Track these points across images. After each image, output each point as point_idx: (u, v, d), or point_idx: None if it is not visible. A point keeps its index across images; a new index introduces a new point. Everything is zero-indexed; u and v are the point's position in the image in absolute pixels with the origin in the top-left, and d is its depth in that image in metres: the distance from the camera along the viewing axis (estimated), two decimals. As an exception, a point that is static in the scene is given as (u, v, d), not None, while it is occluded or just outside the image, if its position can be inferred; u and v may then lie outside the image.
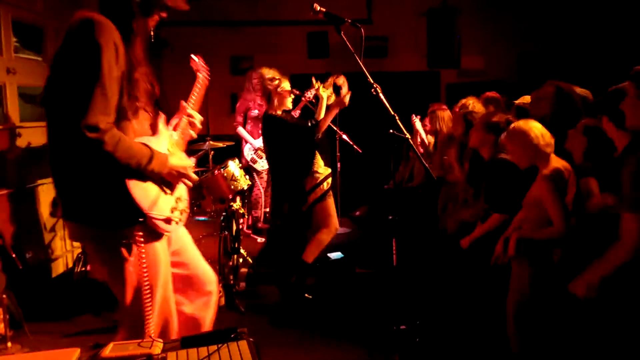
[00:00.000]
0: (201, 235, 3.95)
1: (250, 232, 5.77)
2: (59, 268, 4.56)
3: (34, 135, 4.48)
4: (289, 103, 3.92)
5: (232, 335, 1.53)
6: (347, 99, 3.72)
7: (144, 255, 1.82)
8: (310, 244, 3.93)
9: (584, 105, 2.92)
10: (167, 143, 1.97)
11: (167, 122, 2.11)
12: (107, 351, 1.46)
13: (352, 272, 4.47)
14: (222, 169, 3.95)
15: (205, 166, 5.03)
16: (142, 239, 1.81)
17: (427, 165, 2.66)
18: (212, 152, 4.77)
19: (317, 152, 3.98)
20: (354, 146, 5.47)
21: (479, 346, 2.95)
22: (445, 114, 4.70)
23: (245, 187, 4.12)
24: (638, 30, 5.66)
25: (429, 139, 5.01)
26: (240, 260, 4.22)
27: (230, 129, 6.23)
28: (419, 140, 5.04)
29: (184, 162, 1.92)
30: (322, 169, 3.98)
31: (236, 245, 4.05)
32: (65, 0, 5.02)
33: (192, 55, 2.43)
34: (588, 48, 6.35)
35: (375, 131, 3.79)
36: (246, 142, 5.63)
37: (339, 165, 5.95)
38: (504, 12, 7.13)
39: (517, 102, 3.57)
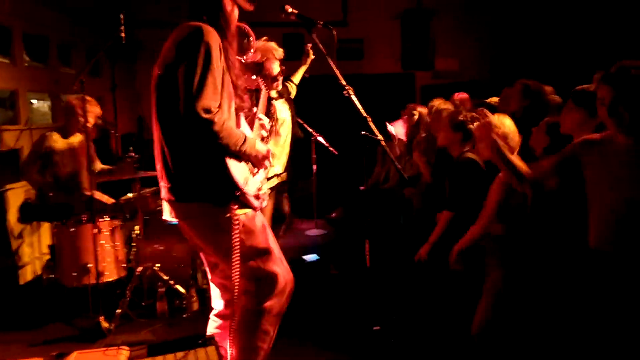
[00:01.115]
0: (175, 239, 3.89)
1: None
2: (27, 275, 4.43)
3: (1, 138, 4.36)
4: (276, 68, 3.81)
5: (200, 341, 1.51)
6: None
7: (245, 225, 2.11)
8: None
9: (552, 103, 2.98)
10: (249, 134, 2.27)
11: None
12: (70, 360, 1.42)
13: (327, 273, 4.46)
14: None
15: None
16: (237, 211, 2.08)
17: (399, 166, 2.67)
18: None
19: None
20: (330, 148, 5.47)
21: (453, 344, 2.97)
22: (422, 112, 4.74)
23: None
24: (606, 31, 5.80)
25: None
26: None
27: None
28: (396, 142, 5.06)
29: (265, 148, 2.24)
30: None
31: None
32: (33, 1, 4.92)
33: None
34: (560, 49, 6.48)
35: (350, 133, 3.80)
36: None
37: (314, 167, 5.95)
38: (478, 14, 7.24)
39: (487, 101, 3.63)
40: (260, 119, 2.47)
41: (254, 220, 2.18)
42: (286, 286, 2.28)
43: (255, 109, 2.49)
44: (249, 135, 2.17)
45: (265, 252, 2.20)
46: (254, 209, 2.17)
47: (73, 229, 3.56)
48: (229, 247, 2.06)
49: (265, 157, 2.22)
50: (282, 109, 3.84)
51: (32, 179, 4.00)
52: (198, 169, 2.05)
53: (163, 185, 2.14)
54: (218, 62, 2.00)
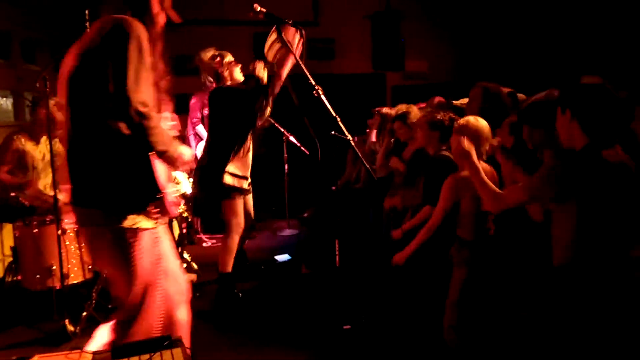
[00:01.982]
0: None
1: (204, 236, 5.66)
2: (-12, 278, 4.29)
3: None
4: (238, 74, 3.80)
5: (166, 343, 1.49)
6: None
7: (155, 236, 1.99)
8: (221, 253, 3.80)
9: (514, 103, 3.05)
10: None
11: None
12: (30, 365, 1.39)
13: (299, 273, 4.46)
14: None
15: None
16: (156, 217, 1.98)
17: (369, 167, 2.70)
18: (155, 154, 4.63)
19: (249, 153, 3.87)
20: (301, 148, 5.47)
21: (422, 342, 3.01)
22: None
23: (189, 192, 4.03)
24: (569, 34, 5.97)
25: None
26: (184, 265, 4.12)
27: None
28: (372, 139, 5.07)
29: (188, 150, 2.13)
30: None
31: (179, 250, 3.95)
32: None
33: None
34: (524, 52, 6.64)
35: (322, 133, 3.81)
36: (201, 139, 5.51)
37: (286, 167, 5.94)
38: (447, 17, 7.35)
39: (455, 102, 3.69)
40: (174, 119, 2.33)
41: (160, 230, 2.05)
42: (172, 311, 2.06)
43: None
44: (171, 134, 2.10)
45: (164, 268, 2.03)
46: (170, 215, 2.06)
47: (36, 230, 3.47)
48: (129, 257, 1.94)
49: (186, 162, 2.10)
50: None
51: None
52: (115, 170, 1.93)
53: (67, 187, 1.99)
54: (148, 56, 1.93)
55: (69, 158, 1.99)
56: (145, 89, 1.86)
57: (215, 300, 3.82)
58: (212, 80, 3.84)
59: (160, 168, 1.97)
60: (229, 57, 3.81)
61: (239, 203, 3.76)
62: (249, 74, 3.83)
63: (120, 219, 1.93)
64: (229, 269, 3.80)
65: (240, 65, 3.82)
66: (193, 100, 5.57)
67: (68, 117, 1.97)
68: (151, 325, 1.98)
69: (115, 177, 1.92)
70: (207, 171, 3.68)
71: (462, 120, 2.66)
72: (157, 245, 2.01)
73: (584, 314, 1.94)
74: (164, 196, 1.97)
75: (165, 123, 2.14)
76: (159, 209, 1.97)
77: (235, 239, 3.78)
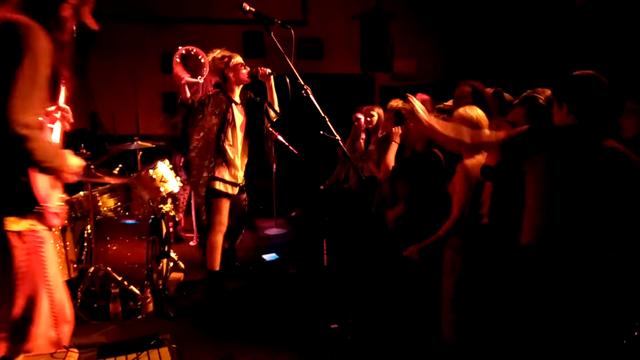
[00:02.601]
0: (129, 239, 3.80)
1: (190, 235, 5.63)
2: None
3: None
4: (244, 76, 3.85)
5: (153, 342, 1.48)
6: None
7: (37, 244, 1.87)
8: (207, 252, 3.84)
9: (500, 102, 3.09)
10: (54, 138, 2.06)
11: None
12: (15, 365, 1.37)
13: (286, 272, 4.46)
14: (150, 170, 3.82)
15: (134, 167, 4.85)
16: (32, 227, 1.86)
17: (357, 166, 2.71)
18: (141, 152, 4.60)
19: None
20: (290, 147, 5.47)
21: (410, 342, 3.03)
22: (380, 113, 4.80)
23: (177, 190, 4.00)
24: (557, 34, 6.04)
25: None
26: (171, 264, 4.10)
27: (161, 129, 6.03)
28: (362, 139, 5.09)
29: (77, 161, 2.00)
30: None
31: (166, 249, 3.93)
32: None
33: None
34: (512, 53, 6.70)
35: (310, 132, 3.81)
36: None
37: (274, 166, 5.92)
38: (434, 18, 7.39)
39: (440, 105, 3.72)
40: (65, 111, 2.21)
41: (46, 241, 1.92)
42: (48, 331, 1.90)
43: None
44: (57, 143, 1.99)
45: (47, 283, 1.90)
46: (51, 226, 1.95)
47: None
48: (10, 269, 1.82)
49: (74, 171, 1.99)
50: (238, 114, 3.90)
51: None
52: None
53: None
54: (46, 69, 1.75)
55: None
56: (31, 109, 1.70)
57: (203, 298, 3.81)
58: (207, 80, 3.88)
59: (41, 180, 1.87)
60: (237, 59, 3.85)
61: (225, 204, 3.79)
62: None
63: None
64: (217, 267, 3.81)
65: (247, 69, 3.85)
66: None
67: None
68: (44, 336, 1.85)
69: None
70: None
71: (459, 111, 2.68)
72: (40, 251, 1.89)
73: (549, 294, 1.99)
74: (45, 209, 1.87)
75: (52, 135, 2.06)
76: (35, 222, 1.86)
77: (218, 237, 3.81)
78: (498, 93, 3.50)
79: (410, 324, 3.11)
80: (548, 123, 2.19)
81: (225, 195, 3.80)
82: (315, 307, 3.50)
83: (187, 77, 3.69)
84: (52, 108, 2.13)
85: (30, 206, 1.83)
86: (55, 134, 2.06)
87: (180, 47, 3.74)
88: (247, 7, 2.63)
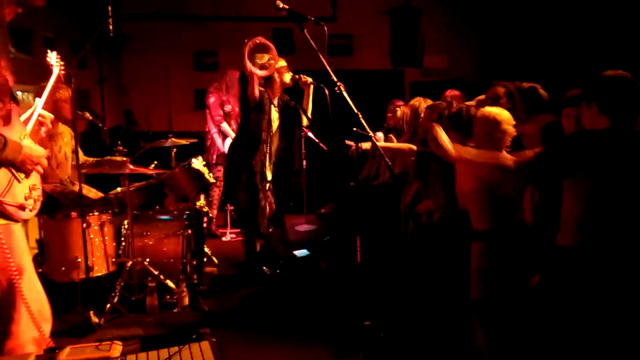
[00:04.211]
0: (165, 234, 3.88)
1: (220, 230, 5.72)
2: None
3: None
4: (287, 78, 3.98)
5: (194, 336, 1.52)
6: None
7: (3, 240, 1.86)
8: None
9: (536, 99, 3.03)
10: (19, 133, 2.03)
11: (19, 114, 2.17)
12: (64, 355, 1.42)
13: (318, 268, 4.48)
14: (184, 167, 3.90)
15: (168, 164, 4.94)
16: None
17: (390, 163, 2.70)
18: (175, 149, 4.68)
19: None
20: (320, 143, 5.48)
21: (443, 341, 3.01)
22: (406, 110, 4.76)
23: (210, 184, 4.09)
24: (595, 32, 5.87)
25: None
26: (205, 259, 4.17)
27: (194, 126, 6.13)
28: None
29: (38, 151, 2.00)
30: None
31: (200, 245, 4.00)
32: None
33: (49, 51, 2.49)
34: (546, 48, 6.55)
35: (341, 128, 3.82)
36: (226, 137, 5.59)
37: (304, 162, 5.95)
38: (466, 12, 7.28)
39: (469, 103, 3.66)
40: (41, 116, 2.22)
41: (12, 235, 1.93)
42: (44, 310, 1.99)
43: (38, 103, 2.25)
44: (12, 136, 1.94)
45: (15, 279, 1.90)
46: (15, 220, 1.93)
47: (61, 223, 3.54)
48: None
49: (36, 162, 1.99)
50: (275, 116, 4.06)
51: None
52: None
53: None
54: None
55: None
56: None
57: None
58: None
59: None
60: (282, 62, 3.98)
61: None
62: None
63: None
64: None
65: (290, 73, 4.00)
66: (212, 99, 5.61)
67: None
68: (27, 335, 1.90)
69: None
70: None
71: (481, 110, 2.64)
72: (3, 247, 1.88)
73: (590, 296, 1.95)
74: (1, 204, 1.86)
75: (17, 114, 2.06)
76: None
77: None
78: (533, 89, 3.41)
79: (443, 324, 3.08)
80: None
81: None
82: (347, 303, 3.51)
83: (258, 72, 3.77)
84: (25, 116, 2.13)
85: None
86: (28, 125, 2.07)
87: (247, 40, 3.81)
88: (281, 5, 2.66)
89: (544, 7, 6.53)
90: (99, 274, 3.61)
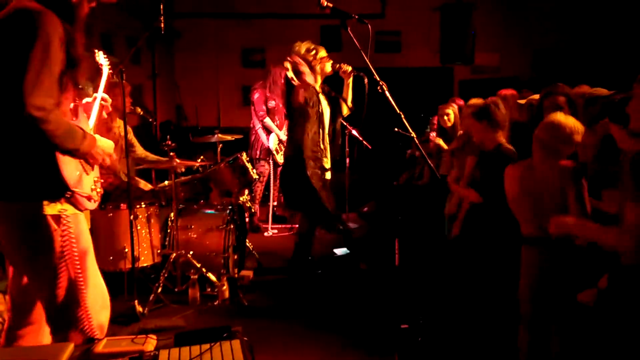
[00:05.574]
0: (208, 228, 3.96)
1: (262, 225, 5.80)
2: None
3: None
4: (328, 68, 4.02)
5: (225, 334, 1.53)
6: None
7: (71, 227, 1.90)
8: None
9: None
10: (85, 127, 2.07)
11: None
12: (100, 347, 1.47)
13: (357, 268, 4.45)
14: (229, 162, 3.96)
15: (214, 159, 5.04)
16: (66, 212, 1.89)
17: (432, 164, 2.64)
18: (221, 145, 4.77)
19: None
20: (364, 142, 5.43)
21: (481, 347, 2.92)
22: (455, 110, 4.64)
23: (254, 179, 4.14)
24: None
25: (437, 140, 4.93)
26: (247, 254, 4.23)
27: (241, 121, 6.22)
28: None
29: (108, 144, 2.04)
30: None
31: (242, 239, 4.06)
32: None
33: (96, 51, 2.52)
34: (604, 45, 6.22)
35: (385, 127, 3.78)
36: (270, 132, 5.65)
37: (347, 160, 5.92)
38: (520, 8, 7.02)
39: (520, 101, 3.52)
40: (104, 100, 2.25)
41: (80, 225, 1.95)
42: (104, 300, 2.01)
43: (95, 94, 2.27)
44: (88, 130, 2.01)
45: (84, 265, 1.94)
46: (82, 210, 1.97)
47: (111, 214, 3.67)
48: (50, 250, 1.86)
49: (107, 154, 2.02)
50: (325, 104, 4.07)
51: None
52: (23, 165, 1.84)
53: None
54: (57, 52, 1.78)
55: None
56: (45, 91, 1.73)
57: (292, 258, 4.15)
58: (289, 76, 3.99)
59: (70, 165, 1.90)
60: (323, 52, 4.00)
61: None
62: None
63: (25, 209, 1.85)
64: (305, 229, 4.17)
65: (331, 61, 4.00)
66: (256, 95, 5.67)
67: None
68: (93, 321, 1.93)
69: (17, 171, 1.84)
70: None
71: (547, 121, 2.51)
72: (71, 235, 1.91)
73: None
74: (75, 193, 1.89)
75: (87, 111, 2.10)
76: (66, 208, 1.89)
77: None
78: (594, 99, 3.23)
79: (481, 331, 2.99)
80: None
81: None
82: (385, 305, 3.47)
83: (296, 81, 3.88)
84: (89, 99, 2.19)
85: (60, 191, 1.86)
86: (91, 120, 2.12)
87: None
88: (325, 3, 2.64)
89: (601, 2, 6.20)
90: (145, 265, 3.73)
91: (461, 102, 4.81)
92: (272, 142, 5.64)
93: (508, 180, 2.59)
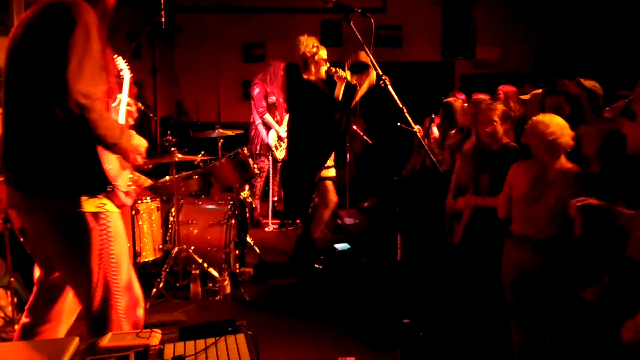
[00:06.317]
0: (209, 223, 3.96)
1: (263, 220, 5.80)
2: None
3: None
4: (323, 71, 4.00)
5: (230, 329, 1.53)
6: (373, 75, 3.81)
7: (110, 226, 1.87)
8: (315, 222, 4.26)
9: (592, 101, 2.86)
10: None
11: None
12: (105, 341, 1.47)
13: (358, 263, 4.46)
14: (230, 157, 3.95)
15: (214, 154, 5.03)
16: (106, 207, 1.87)
17: (435, 159, 2.63)
18: (222, 140, 4.76)
19: None
20: (364, 137, 5.43)
21: (482, 342, 2.93)
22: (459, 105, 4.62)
23: (255, 175, 4.14)
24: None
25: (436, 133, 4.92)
26: (247, 249, 4.23)
27: (241, 117, 6.20)
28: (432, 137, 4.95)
29: (141, 141, 2.01)
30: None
31: (243, 234, 4.06)
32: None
33: (115, 56, 2.48)
34: (606, 41, 6.20)
35: (386, 123, 3.77)
36: (269, 128, 5.64)
37: (348, 155, 5.92)
38: (521, 3, 6.99)
39: (523, 96, 3.51)
40: (129, 105, 2.21)
41: (118, 221, 1.93)
42: (126, 316, 1.95)
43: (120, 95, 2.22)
44: (124, 125, 1.99)
45: (121, 264, 1.92)
46: (121, 205, 1.95)
47: (112, 210, 3.67)
48: (87, 247, 1.84)
49: (140, 152, 1.98)
50: None
51: None
52: (62, 160, 1.81)
53: (6, 173, 1.88)
54: (97, 41, 1.77)
55: (5, 141, 1.87)
56: (89, 79, 1.71)
57: (292, 256, 4.28)
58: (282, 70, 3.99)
59: (111, 159, 1.88)
60: (322, 53, 4.02)
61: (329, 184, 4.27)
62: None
63: (64, 205, 1.83)
64: (317, 235, 4.30)
65: (327, 65, 3.99)
66: (256, 90, 5.65)
67: (7, 105, 1.86)
68: (129, 317, 1.93)
69: (56, 166, 1.81)
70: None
71: (533, 120, 2.52)
72: (109, 231, 1.88)
73: None
74: (115, 187, 1.87)
75: (115, 114, 2.06)
76: (105, 202, 1.87)
77: (327, 211, 4.30)
78: (578, 83, 3.22)
79: (483, 326, 3.00)
80: None
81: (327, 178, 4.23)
82: (387, 300, 3.48)
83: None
84: (115, 103, 2.13)
85: (101, 185, 1.84)
86: (120, 119, 2.08)
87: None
88: (328, -4, 2.62)
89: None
90: (147, 260, 3.73)
91: (462, 97, 4.79)
92: (272, 138, 5.62)
93: (515, 178, 2.58)
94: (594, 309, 2.22)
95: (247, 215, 4.92)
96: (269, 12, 7.17)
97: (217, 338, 1.48)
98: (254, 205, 5.41)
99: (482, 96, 3.76)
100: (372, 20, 2.61)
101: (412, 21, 7.20)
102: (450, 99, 4.56)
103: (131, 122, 2.24)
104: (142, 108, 4.38)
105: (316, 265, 4.27)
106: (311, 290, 3.92)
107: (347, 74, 3.95)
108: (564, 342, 2.44)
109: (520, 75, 6.51)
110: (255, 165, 4.17)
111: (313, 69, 3.95)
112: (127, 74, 2.44)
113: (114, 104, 2.11)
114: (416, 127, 2.58)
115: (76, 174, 1.82)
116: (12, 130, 1.85)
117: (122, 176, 1.95)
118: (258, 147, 5.68)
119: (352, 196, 6.03)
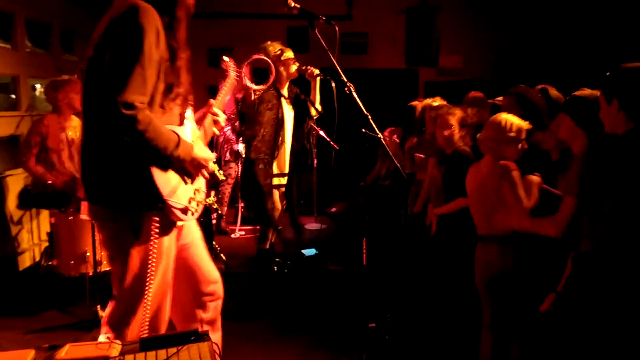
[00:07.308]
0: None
1: (230, 227, 5.74)
2: (25, 261, 4.45)
3: (0, 125, 4.36)
4: (294, 70, 4.00)
5: (193, 338, 1.51)
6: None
7: (156, 242, 1.84)
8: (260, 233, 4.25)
9: (548, 103, 2.97)
10: (192, 134, 2.00)
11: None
12: (63, 353, 1.43)
13: (325, 268, 4.47)
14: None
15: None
16: (157, 225, 1.83)
17: (399, 164, 2.67)
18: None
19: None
20: (331, 142, 5.45)
21: (447, 345, 2.98)
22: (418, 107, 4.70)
23: (220, 180, 4.09)
24: (612, 31, 5.76)
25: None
26: (213, 256, 4.17)
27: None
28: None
29: (207, 154, 1.96)
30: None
31: (208, 241, 4.01)
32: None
33: (224, 57, 2.45)
34: (563, 48, 6.43)
35: (352, 128, 3.80)
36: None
37: (315, 161, 5.92)
38: (483, 11, 7.18)
39: (492, 101, 3.61)
40: (215, 114, 2.18)
41: (165, 239, 1.87)
42: (159, 319, 1.97)
43: (213, 103, 2.23)
44: (185, 137, 1.88)
45: (153, 286, 1.87)
46: (174, 222, 1.89)
47: (71, 217, 3.57)
48: (125, 259, 1.83)
49: (204, 165, 1.92)
50: (288, 109, 4.06)
51: (28, 168, 3.96)
52: (114, 170, 1.79)
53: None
54: (152, 49, 1.71)
55: (82, 152, 1.89)
56: (137, 87, 1.66)
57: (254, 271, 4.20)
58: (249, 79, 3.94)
59: (165, 174, 1.81)
60: (289, 54, 4.00)
61: (276, 194, 4.12)
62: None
63: (117, 216, 1.83)
64: (267, 246, 4.20)
65: (297, 64, 3.99)
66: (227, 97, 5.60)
67: (82, 110, 1.86)
68: (140, 326, 1.91)
69: (113, 177, 1.80)
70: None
71: (492, 118, 2.60)
72: (154, 246, 1.85)
73: (609, 302, 1.87)
74: (168, 204, 1.80)
75: (190, 123, 2.01)
76: (159, 218, 1.82)
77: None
78: (544, 91, 3.34)
79: (448, 328, 3.05)
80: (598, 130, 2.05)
81: (276, 186, 4.09)
82: (353, 304, 3.49)
83: (254, 86, 3.81)
84: (194, 115, 2.07)
85: (153, 201, 1.79)
86: (188, 131, 1.98)
87: (253, 56, 3.85)
88: (292, 4, 2.63)
89: (562, 4, 6.42)
90: (107, 269, 3.63)
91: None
92: (241, 145, 5.58)
93: (468, 180, 2.66)
94: (558, 311, 2.28)
95: (214, 221, 4.87)
96: (236, 18, 7.13)
97: (179, 348, 1.46)
98: (220, 212, 5.35)
99: (436, 101, 3.85)
100: (337, 28, 2.64)
101: (378, 29, 7.29)
102: (415, 102, 4.64)
103: (217, 131, 2.19)
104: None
105: (275, 268, 4.22)
106: (278, 297, 3.90)
107: (317, 71, 3.95)
108: (531, 346, 2.50)
109: (481, 82, 6.67)
110: (221, 172, 4.12)
111: (283, 71, 3.95)
112: (232, 74, 2.39)
113: (188, 114, 2.01)
114: (380, 134, 2.62)
115: (126, 188, 1.80)
116: (85, 140, 1.86)
117: (181, 191, 1.86)
118: (227, 154, 5.63)
119: (319, 201, 6.05)
